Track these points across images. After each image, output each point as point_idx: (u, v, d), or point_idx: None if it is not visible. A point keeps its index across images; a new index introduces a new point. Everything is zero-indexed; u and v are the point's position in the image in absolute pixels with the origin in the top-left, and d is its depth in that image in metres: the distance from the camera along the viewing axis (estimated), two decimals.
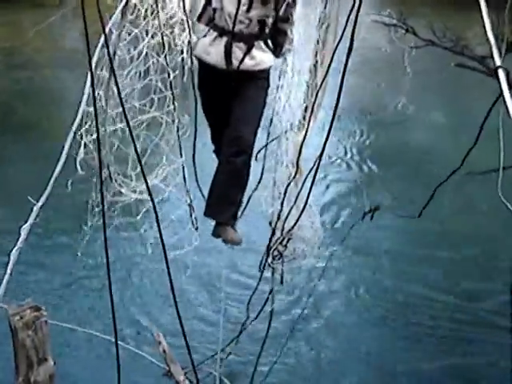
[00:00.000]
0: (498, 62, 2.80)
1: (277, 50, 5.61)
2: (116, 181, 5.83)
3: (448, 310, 9.17)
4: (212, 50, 5.46)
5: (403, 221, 9.58)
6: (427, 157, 13.46)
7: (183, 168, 6.46)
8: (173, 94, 6.08)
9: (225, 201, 5.68)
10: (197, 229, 6.91)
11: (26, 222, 4.43)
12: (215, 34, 5.42)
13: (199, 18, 5.62)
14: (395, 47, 12.15)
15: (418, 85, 15.63)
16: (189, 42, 5.95)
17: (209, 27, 5.49)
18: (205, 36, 5.52)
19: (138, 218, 6.23)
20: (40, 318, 4.40)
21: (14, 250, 4.39)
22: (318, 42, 6.03)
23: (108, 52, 4.19)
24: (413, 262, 10.18)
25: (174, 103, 6.13)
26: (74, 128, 4.51)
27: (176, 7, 5.95)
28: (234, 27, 5.33)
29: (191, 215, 6.90)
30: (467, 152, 3.84)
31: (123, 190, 5.85)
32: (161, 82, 5.87)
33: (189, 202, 6.77)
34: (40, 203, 4.53)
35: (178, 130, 6.27)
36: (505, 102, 2.72)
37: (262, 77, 5.64)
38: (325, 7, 5.99)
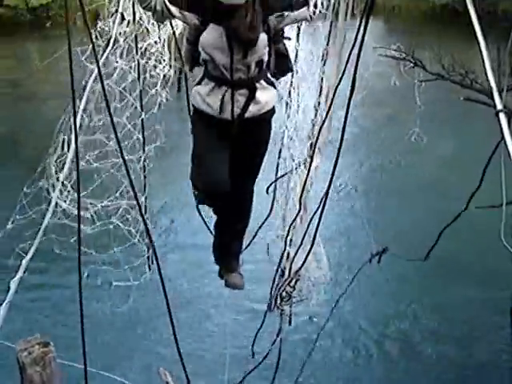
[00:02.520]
0: (499, 106, 2.74)
1: (278, 73, 5.21)
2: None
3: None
4: (211, 101, 5.00)
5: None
6: (435, 190, 13.37)
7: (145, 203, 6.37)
8: (143, 131, 5.97)
9: (229, 253, 5.68)
10: (150, 268, 6.73)
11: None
12: (212, 83, 4.96)
13: (191, 67, 5.20)
14: (404, 80, 12.09)
15: (427, 117, 15.59)
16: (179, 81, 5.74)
17: (203, 76, 5.02)
18: (200, 84, 5.06)
19: None
20: (48, 354, 4.34)
21: (4, 304, 4.30)
22: (321, 78, 5.89)
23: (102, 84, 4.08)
24: (419, 302, 10.09)
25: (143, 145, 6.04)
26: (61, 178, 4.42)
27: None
28: (232, 77, 4.88)
29: (149, 258, 6.65)
30: (471, 195, 3.80)
31: (64, 205, 5.65)
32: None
33: (148, 241, 6.51)
34: (28, 256, 4.43)
35: (144, 170, 6.17)
36: (506, 146, 2.65)
37: (266, 119, 5.29)
38: (327, 43, 5.86)
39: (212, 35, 4.76)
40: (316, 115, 5.93)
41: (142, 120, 5.93)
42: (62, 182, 5.31)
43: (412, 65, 11.71)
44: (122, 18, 4.67)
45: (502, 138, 2.68)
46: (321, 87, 5.88)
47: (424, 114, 11.47)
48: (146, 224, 5.57)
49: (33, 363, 4.32)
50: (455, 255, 10.91)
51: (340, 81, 4.53)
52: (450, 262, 10.77)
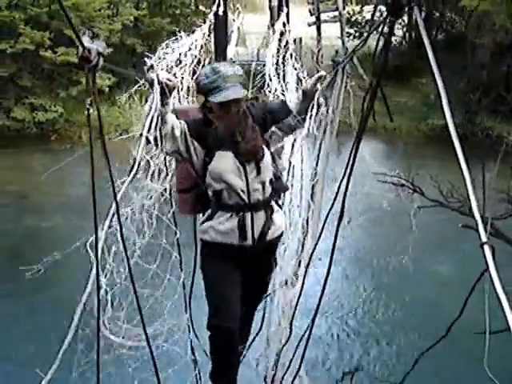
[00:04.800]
0: (484, 238, 2.74)
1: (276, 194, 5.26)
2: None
3: None
4: (230, 231, 5.00)
5: None
6: (422, 312, 13.24)
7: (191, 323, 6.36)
8: (179, 250, 5.97)
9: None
10: None
11: None
12: (228, 214, 5.00)
13: (194, 210, 5.39)
14: (401, 205, 12.15)
15: (423, 241, 15.55)
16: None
17: (214, 210, 5.09)
18: (210, 219, 5.11)
19: None
20: None
21: None
22: (311, 197, 5.92)
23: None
24: None
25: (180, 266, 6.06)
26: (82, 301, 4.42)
27: None
28: (250, 200, 4.96)
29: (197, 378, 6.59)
30: (451, 323, 3.76)
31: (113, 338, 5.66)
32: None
33: (193, 358, 6.53)
34: (48, 376, 4.39)
35: (184, 287, 6.21)
36: (491, 278, 2.63)
37: (277, 244, 5.41)
38: (316, 164, 5.92)
39: (223, 161, 4.89)
40: (304, 233, 5.94)
41: (178, 240, 6.02)
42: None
43: (411, 191, 11.81)
44: (148, 142, 4.83)
45: (487, 268, 2.68)
46: (309, 205, 5.90)
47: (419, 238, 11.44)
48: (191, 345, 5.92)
49: None
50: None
51: (330, 210, 4.55)
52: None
